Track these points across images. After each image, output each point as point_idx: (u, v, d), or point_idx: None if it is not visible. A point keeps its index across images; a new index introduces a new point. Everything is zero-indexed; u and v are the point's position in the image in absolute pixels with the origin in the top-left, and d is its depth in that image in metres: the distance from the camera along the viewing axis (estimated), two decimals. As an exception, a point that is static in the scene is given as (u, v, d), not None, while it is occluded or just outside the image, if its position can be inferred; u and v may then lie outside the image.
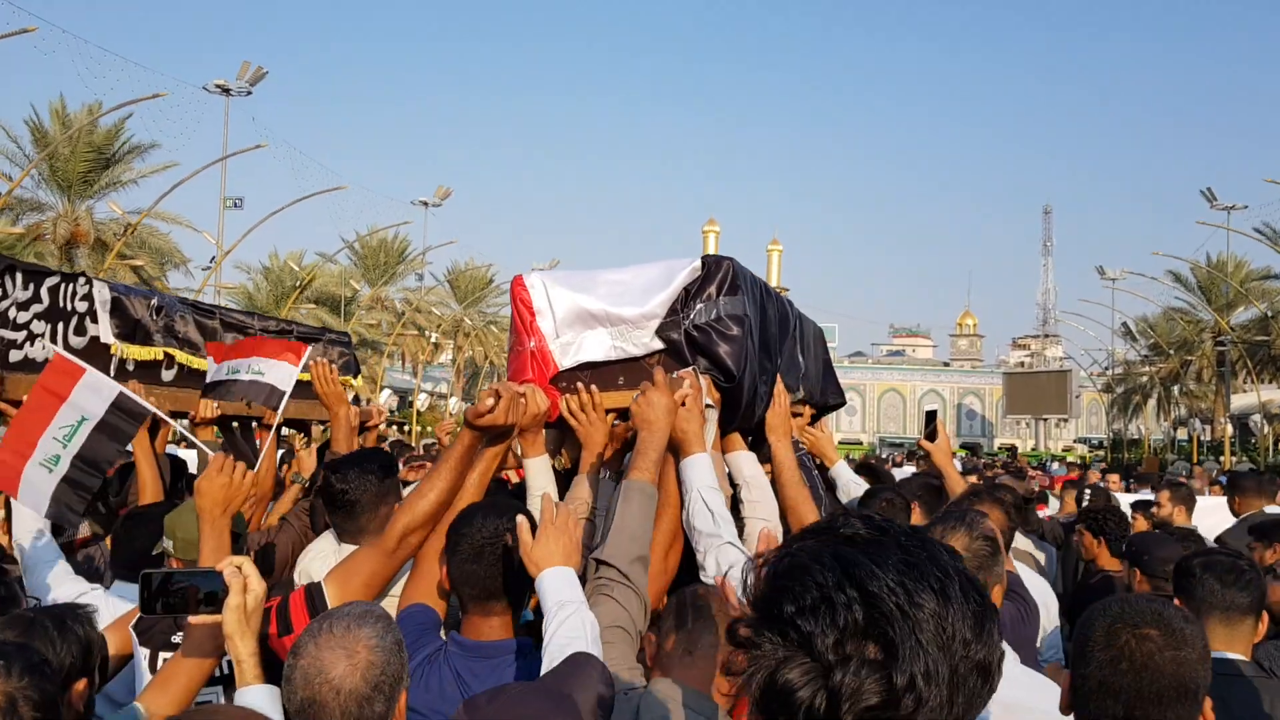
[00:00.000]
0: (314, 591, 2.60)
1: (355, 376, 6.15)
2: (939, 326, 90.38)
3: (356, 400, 6.03)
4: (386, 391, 48.02)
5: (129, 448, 4.04)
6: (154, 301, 4.94)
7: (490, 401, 2.60)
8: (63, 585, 3.30)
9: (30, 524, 3.49)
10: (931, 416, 4.72)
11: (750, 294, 3.28)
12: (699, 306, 3.12)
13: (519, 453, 3.25)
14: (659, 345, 3.15)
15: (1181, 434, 49.95)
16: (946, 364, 79.11)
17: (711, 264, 3.18)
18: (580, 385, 3.10)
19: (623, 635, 2.32)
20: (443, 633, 2.59)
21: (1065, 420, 62.45)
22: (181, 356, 5.00)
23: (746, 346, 3.14)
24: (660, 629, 2.34)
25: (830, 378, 4.65)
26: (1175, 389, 51.65)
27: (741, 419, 3.33)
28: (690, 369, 3.05)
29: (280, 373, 4.44)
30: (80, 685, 2.26)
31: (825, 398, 4.55)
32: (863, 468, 5.41)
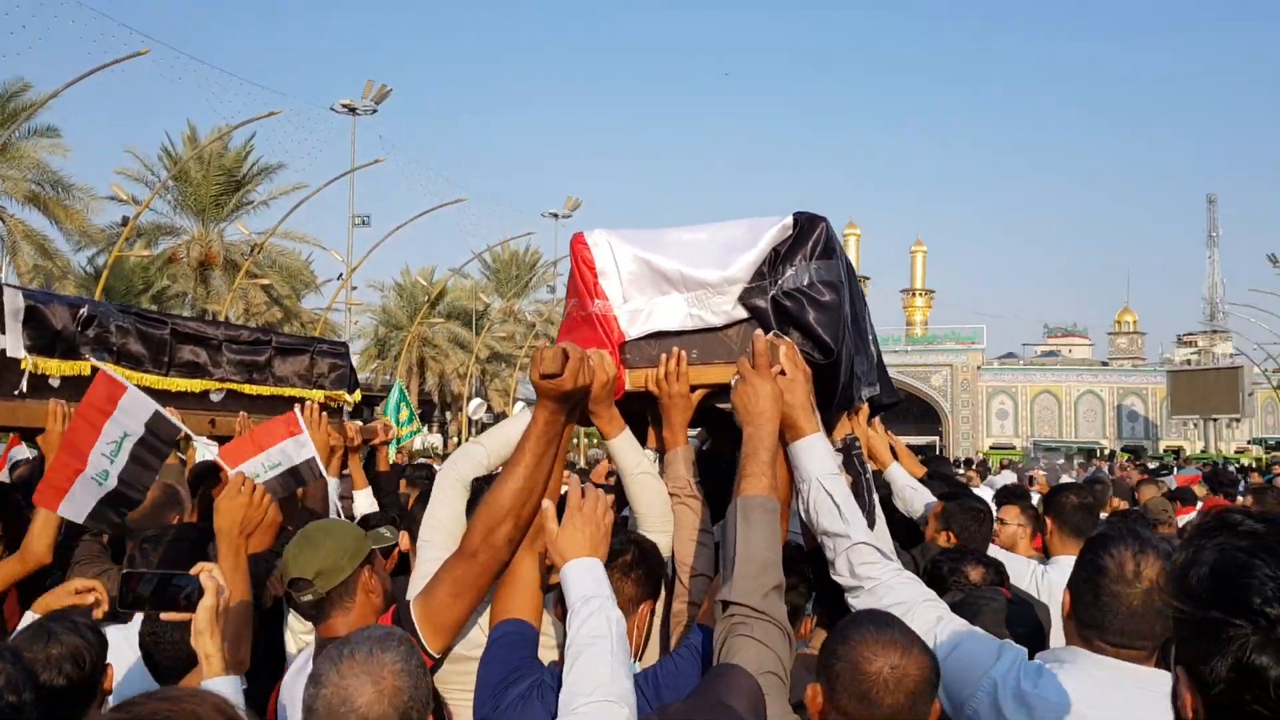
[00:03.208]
0: (402, 613, 2.54)
1: (352, 392, 5.39)
2: (1096, 325, 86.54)
3: (357, 415, 5.27)
4: (520, 404, 48.09)
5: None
6: (83, 310, 4.23)
7: (557, 361, 2.38)
8: None
9: None
10: None
11: (843, 262, 2.94)
12: (790, 271, 2.78)
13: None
14: (742, 314, 2.81)
15: (1372, 433, 45.89)
16: (1105, 363, 75.36)
17: (805, 222, 2.82)
18: (675, 351, 2.83)
19: (775, 682, 2.05)
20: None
21: (1237, 420, 58.48)
22: (115, 371, 4.28)
23: (843, 317, 2.80)
24: (824, 677, 1.98)
25: (885, 376, 4.28)
26: (1363, 383, 47.57)
27: (838, 403, 2.97)
28: (783, 338, 2.70)
29: (296, 450, 3.94)
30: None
31: (881, 395, 4.20)
32: (932, 473, 5.21)
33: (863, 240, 79.46)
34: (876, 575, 2.40)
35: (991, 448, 57.83)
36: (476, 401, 43.38)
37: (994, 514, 4.47)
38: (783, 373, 2.53)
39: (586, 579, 2.16)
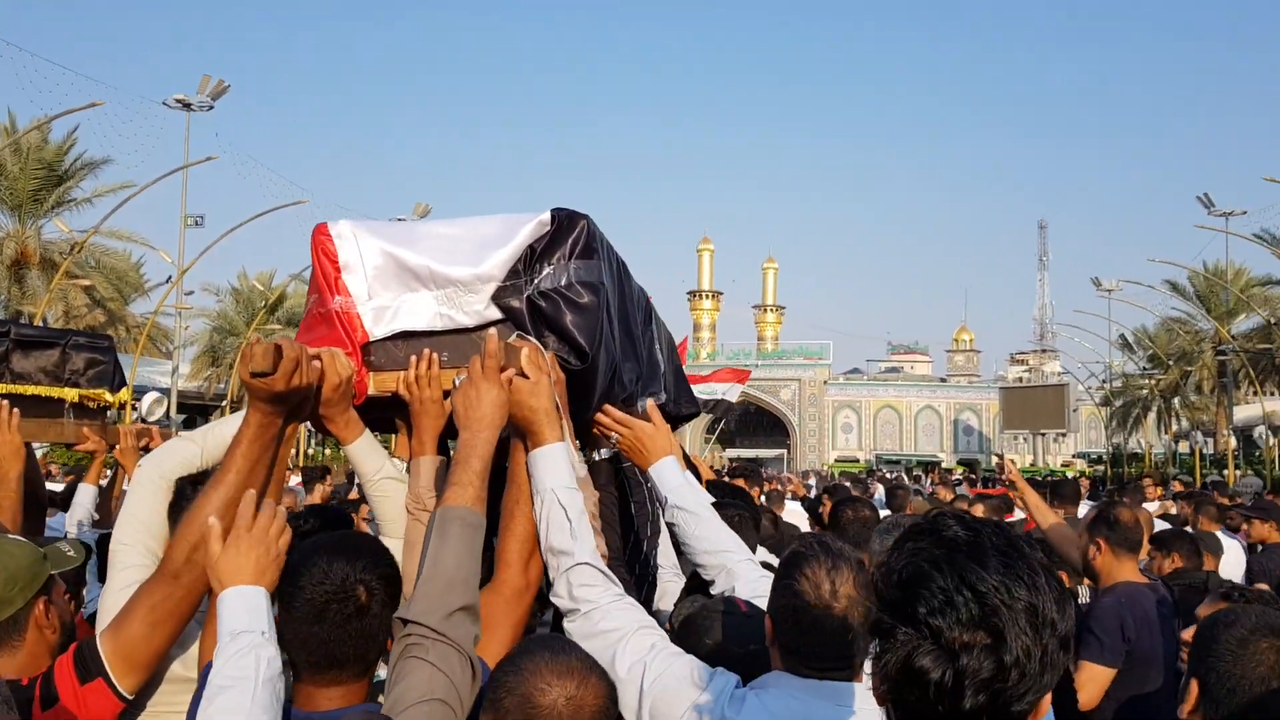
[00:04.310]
0: (85, 651, 2.25)
1: (116, 390, 4.85)
2: (937, 343, 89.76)
3: (190, 425, 4.74)
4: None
5: None
6: None
7: (269, 358, 2.17)
8: None
9: None
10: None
11: (608, 262, 2.79)
12: (546, 270, 2.62)
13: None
14: (495, 315, 2.62)
15: (1183, 447, 48.81)
16: (943, 380, 78.24)
17: (564, 219, 2.66)
18: (426, 353, 2.62)
19: (444, 712, 1.87)
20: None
21: (1063, 435, 61.47)
22: None
23: (601, 320, 2.63)
24: (492, 711, 1.78)
25: (684, 385, 4.14)
26: (1175, 401, 50.58)
27: (594, 410, 2.83)
28: (528, 339, 2.55)
29: None
30: None
31: (679, 407, 4.06)
32: (718, 485, 5.06)
33: (716, 256, 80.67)
34: (594, 599, 2.27)
35: (836, 460, 59.21)
36: (318, 412, 41.84)
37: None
38: (524, 375, 2.39)
39: (240, 610, 1.91)
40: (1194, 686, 2.26)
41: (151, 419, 24.91)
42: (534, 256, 2.63)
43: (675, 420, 4.22)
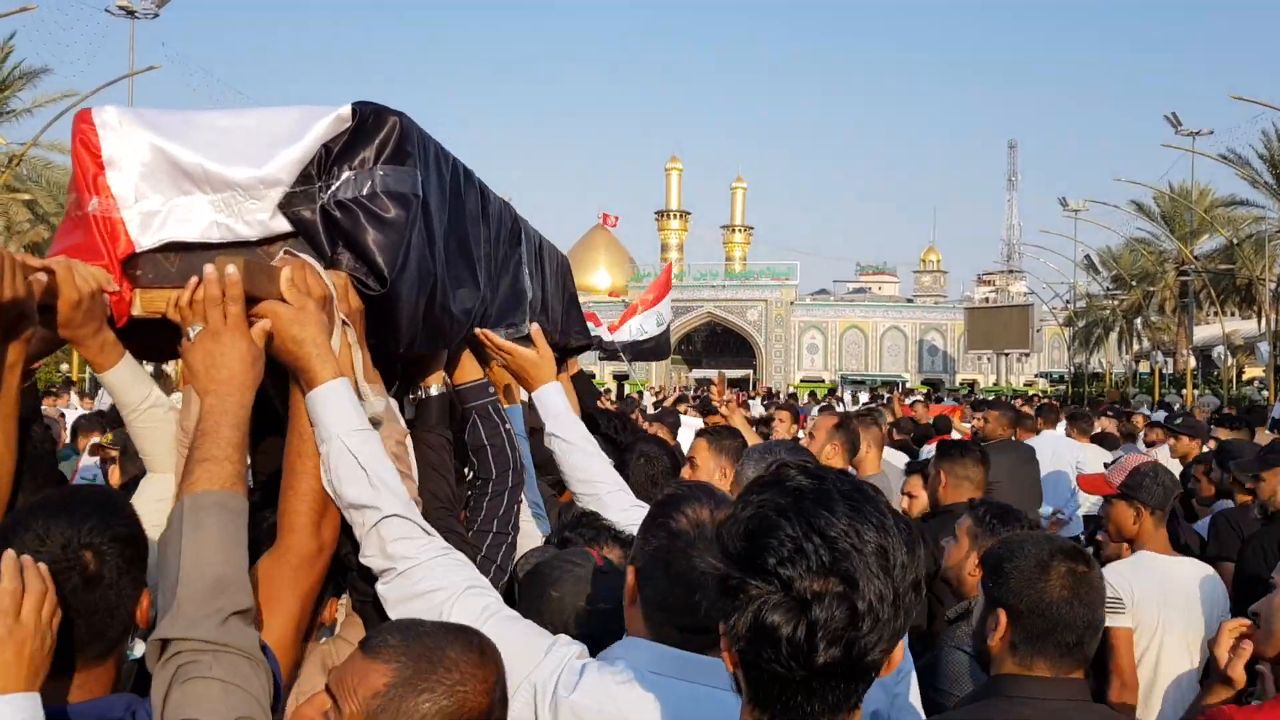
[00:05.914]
0: None
1: None
2: (905, 264, 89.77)
3: None
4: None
5: None
6: None
7: None
8: None
9: None
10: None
11: (431, 169, 2.44)
12: (347, 175, 2.24)
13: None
14: (283, 226, 2.24)
15: (1144, 367, 49.24)
16: (910, 300, 78.44)
17: (369, 114, 2.26)
18: (209, 271, 2.09)
19: None
20: None
21: (1026, 355, 61.87)
22: None
23: (409, 240, 2.29)
24: None
25: (575, 315, 4.01)
26: (1137, 321, 50.88)
27: (404, 343, 2.43)
28: (297, 256, 2.16)
29: None
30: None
31: (568, 338, 3.95)
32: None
33: (685, 175, 79.96)
34: (413, 554, 2.01)
35: (802, 380, 59.40)
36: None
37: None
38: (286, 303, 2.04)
39: None
40: (1002, 616, 2.27)
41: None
42: (329, 158, 2.24)
43: (565, 352, 4.01)
